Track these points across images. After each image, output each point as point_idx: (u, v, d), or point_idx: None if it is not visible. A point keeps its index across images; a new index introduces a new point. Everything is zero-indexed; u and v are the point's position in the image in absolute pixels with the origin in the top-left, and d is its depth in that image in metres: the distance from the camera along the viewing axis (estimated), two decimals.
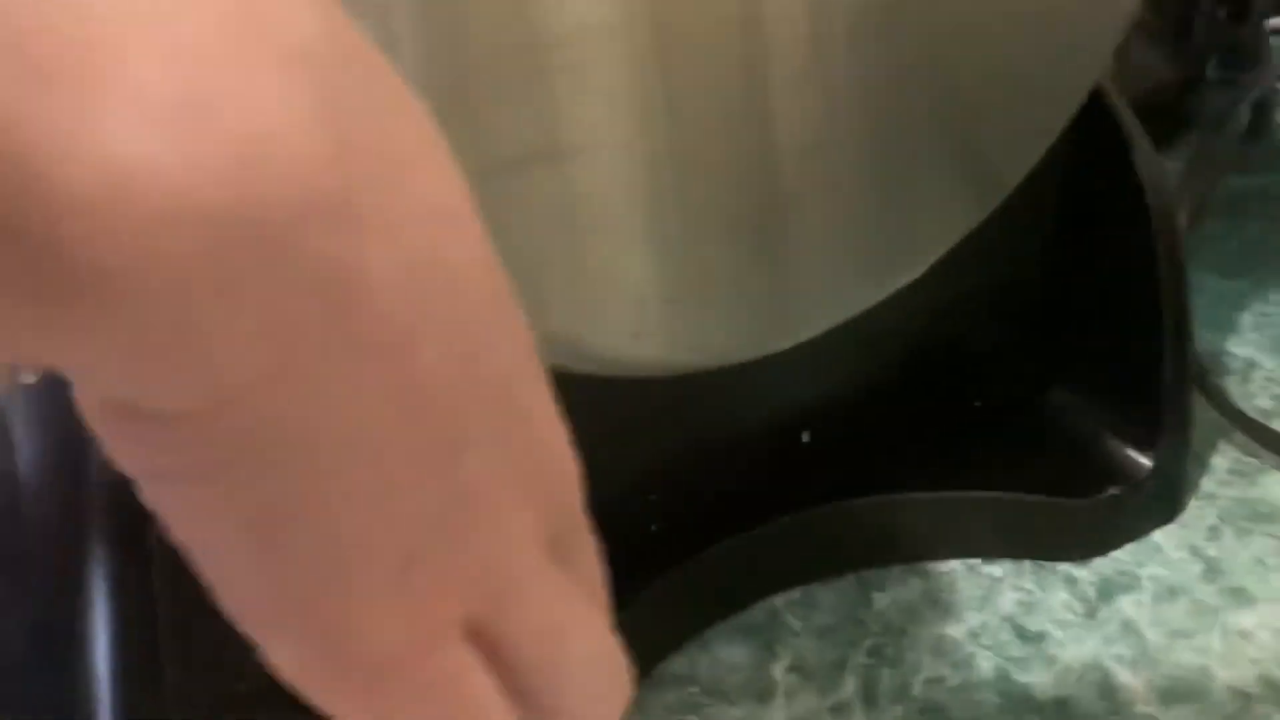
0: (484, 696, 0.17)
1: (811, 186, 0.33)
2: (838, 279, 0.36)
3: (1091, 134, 0.40)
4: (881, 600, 0.42)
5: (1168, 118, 0.62)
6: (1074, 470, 0.44)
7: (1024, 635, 0.40)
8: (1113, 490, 0.43)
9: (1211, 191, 0.61)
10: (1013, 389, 0.46)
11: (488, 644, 0.17)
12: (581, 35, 0.27)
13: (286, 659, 0.16)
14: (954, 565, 0.43)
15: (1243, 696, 0.38)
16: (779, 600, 0.42)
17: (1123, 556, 0.43)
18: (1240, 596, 0.41)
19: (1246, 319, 0.54)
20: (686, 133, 0.30)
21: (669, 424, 0.39)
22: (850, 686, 0.39)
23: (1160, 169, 0.41)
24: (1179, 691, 0.38)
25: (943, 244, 0.37)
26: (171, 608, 0.29)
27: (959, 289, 0.44)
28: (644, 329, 0.32)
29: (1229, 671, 0.39)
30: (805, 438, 0.44)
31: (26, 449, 0.31)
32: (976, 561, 0.43)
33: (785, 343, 0.35)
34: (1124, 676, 0.39)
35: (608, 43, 0.28)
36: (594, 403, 0.36)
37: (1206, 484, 0.46)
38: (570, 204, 0.29)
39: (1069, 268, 0.44)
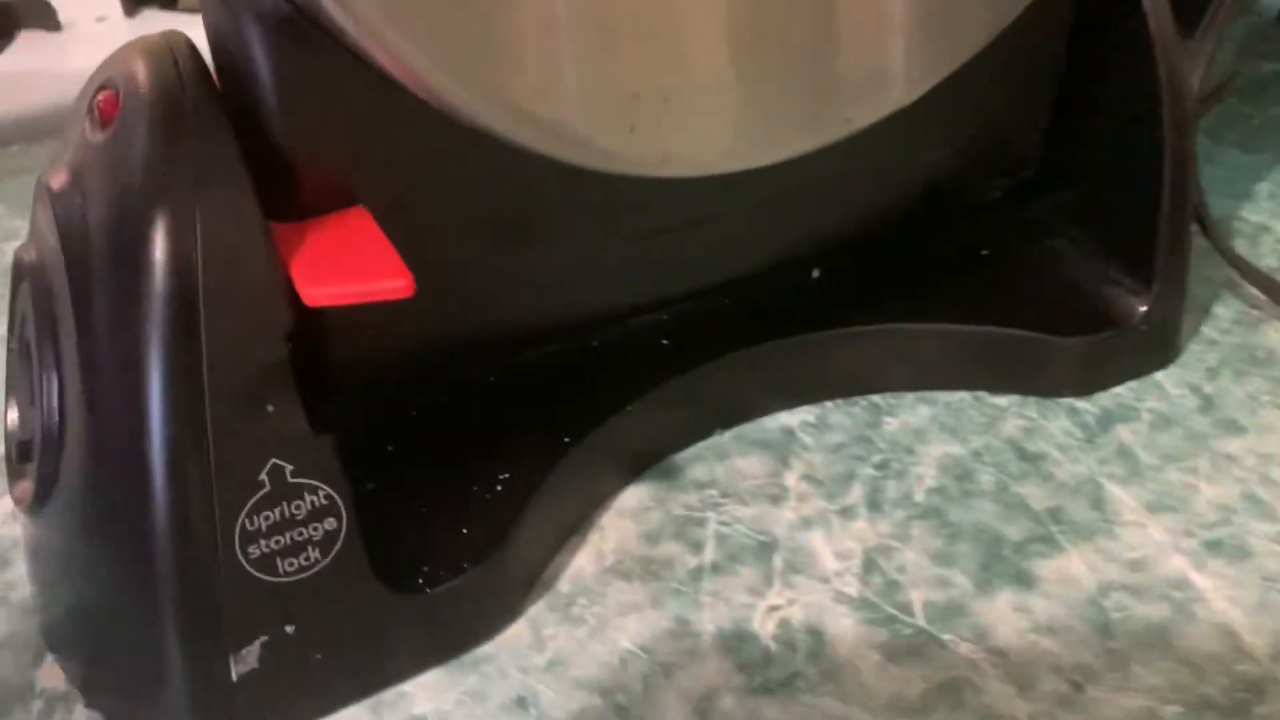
0: None
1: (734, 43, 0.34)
2: (770, 120, 0.37)
3: None
4: (891, 424, 0.45)
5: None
6: (1074, 312, 0.46)
7: (1024, 455, 0.43)
8: (1107, 331, 0.45)
9: (1236, 72, 0.63)
10: (1019, 237, 0.49)
11: None
12: None
13: None
14: (962, 395, 0.46)
15: (1225, 509, 0.40)
16: (794, 420, 0.45)
17: (1123, 392, 0.46)
18: (1232, 427, 0.44)
19: (1263, 188, 0.56)
20: None
21: (682, 243, 0.42)
22: (857, 493, 0.42)
23: (1169, 20, 0.43)
24: (1165, 504, 0.41)
25: (978, 40, 0.38)
26: None
27: (965, 131, 0.46)
28: (639, 123, 0.34)
29: (1214, 489, 0.41)
30: (815, 274, 0.47)
31: None
32: (984, 394, 0.46)
33: (798, 145, 0.37)
34: (1115, 490, 0.41)
35: None
36: (612, 209, 0.39)
37: (1209, 331, 0.48)
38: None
39: (1076, 116, 0.46)
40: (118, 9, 0.77)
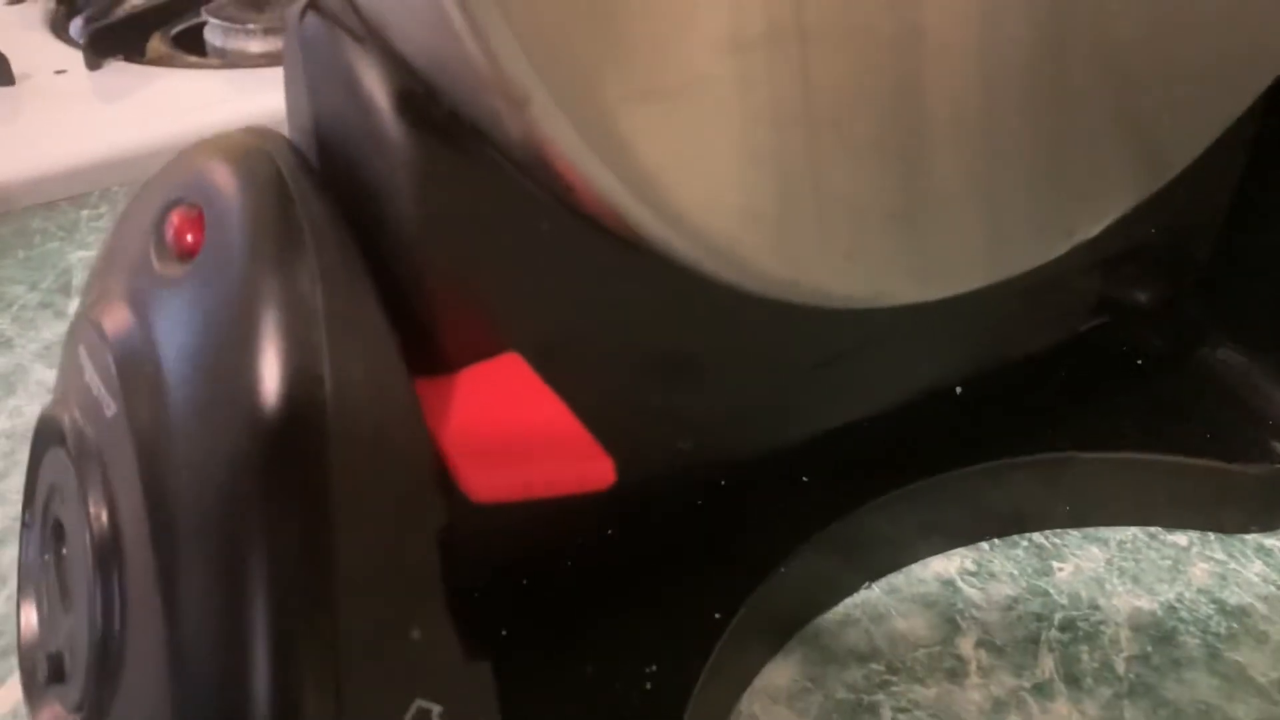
0: None
1: (979, 137, 0.29)
2: (1010, 233, 0.32)
3: None
4: (1063, 571, 0.38)
5: None
6: (1252, 434, 0.40)
7: (1225, 610, 0.37)
8: None
9: None
10: (1180, 345, 0.43)
11: None
12: None
13: None
14: (1134, 533, 0.40)
15: None
16: (950, 567, 0.38)
17: None
18: None
19: None
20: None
21: (822, 369, 0.36)
22: (1048, 665, 0.35)
23: None
24: None
25: (1113, 210, 0.33)
26: None
27: (1130, 243, 0.40)
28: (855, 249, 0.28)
29: None
30: (959, 390, 0.41)
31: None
32: (1158, 530, 0.40)
33: (951, 288, 0.32)
34: None
35: None
36: (752, 341, 0.33)
37: None
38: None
39: (1252, 214, 0.41)
40: (78, 61, 0.68)
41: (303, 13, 0.24)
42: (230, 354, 0.23)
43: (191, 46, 0.74)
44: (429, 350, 0.25)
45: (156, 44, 0.74)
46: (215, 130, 0.62)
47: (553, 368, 0.26)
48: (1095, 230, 0.32)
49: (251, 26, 0.74)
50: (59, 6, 0.76)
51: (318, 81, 0.25)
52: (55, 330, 0.47)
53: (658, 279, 0.27)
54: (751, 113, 0.23)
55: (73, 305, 0.49)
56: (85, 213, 0.55)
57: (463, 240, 0.24)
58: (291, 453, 0.23)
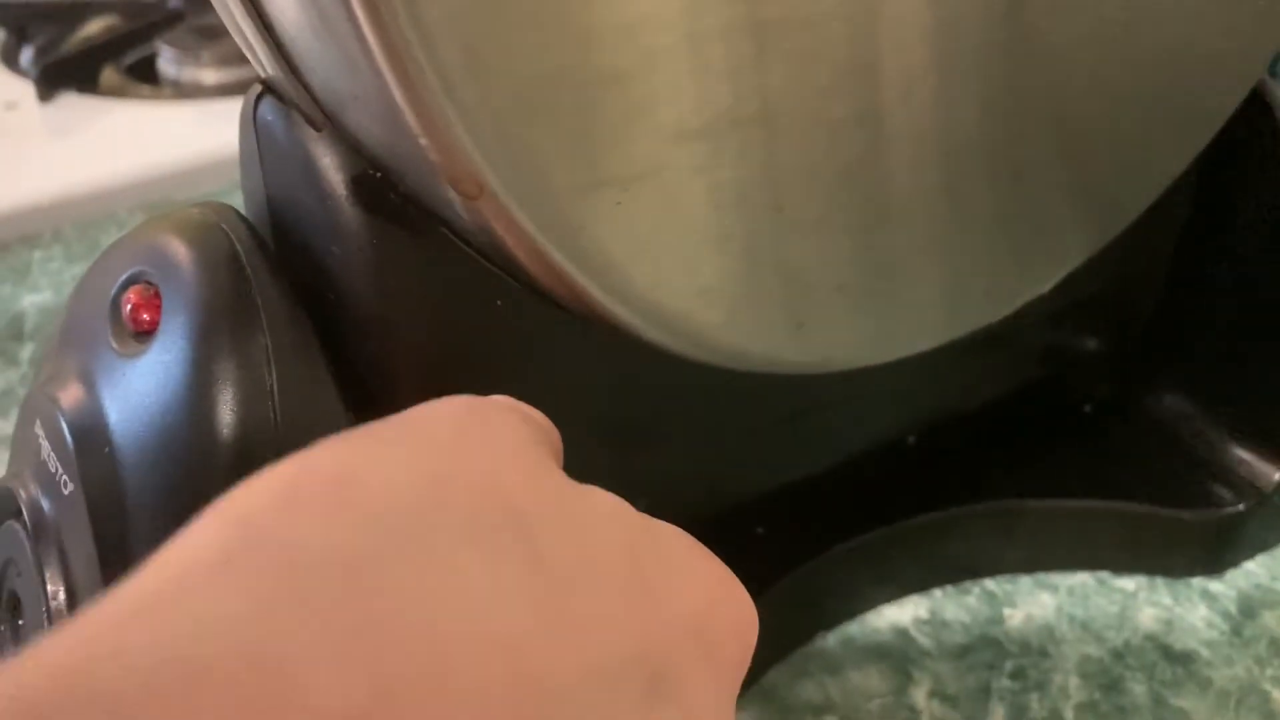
0: None
1: (929, 209, 0.30)
2: (958, 297, 0.33)
3: (1238, 133, 0.37)
4: (1014, 618, 0.39)
5: None
6: (1198, 481, 0.41)
7: (1171, 655, 0.38)
8: (1238, 504, 0.41)
9: None
10: (1124, 393, 0.44)
11: None
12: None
13: None
14: (1084, 578, 0.40)
15: None
16: (904, 615, 0.39)
17: (1256, 570, 0.41)
18: None
19: None
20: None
21: (775, 427, 0.36)
22: (999, 715, 0.36)
23: None
24: None
25: (1068, 263, 0.34)
26: None
27: (1078, 296, 0.41)
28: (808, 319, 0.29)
29: None
30: (910, 440, 0.41)
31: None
32: (1106, 575, 0.40)
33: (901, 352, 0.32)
34: None
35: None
36: (740, 401, 0.33)
37: None
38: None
39: (1198, 270, 0.42)
40: (30, 95, 0.67)
41: (258, 97, 0.24)
42: (185, 435, 0.24)
43: (145, 76, 0.74)
44: None
45: (110, 74, 0.73)
46: (170, 168, 0.62)
47: None
48: (1047, 287, 0.32)
49: (205, 56, 0.74)
50: (9, 37, 0.75)
51: (273, 164, 0.25)
52: (7, 378, 0.47)
53: (611, 351, 0.27)
54: (701, 197, 0.24)
55: (25, 352, 0.49)
56: (38, 254, 0.55)
57: (420, 321, 0.25)
58: None
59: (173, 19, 0.76)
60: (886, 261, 0.28)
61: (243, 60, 0.67)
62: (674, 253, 0.24)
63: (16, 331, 0.50)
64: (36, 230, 0.56)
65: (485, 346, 0.26)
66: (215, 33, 0.76)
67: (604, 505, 0.19)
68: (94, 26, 0.77)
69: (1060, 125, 0.29)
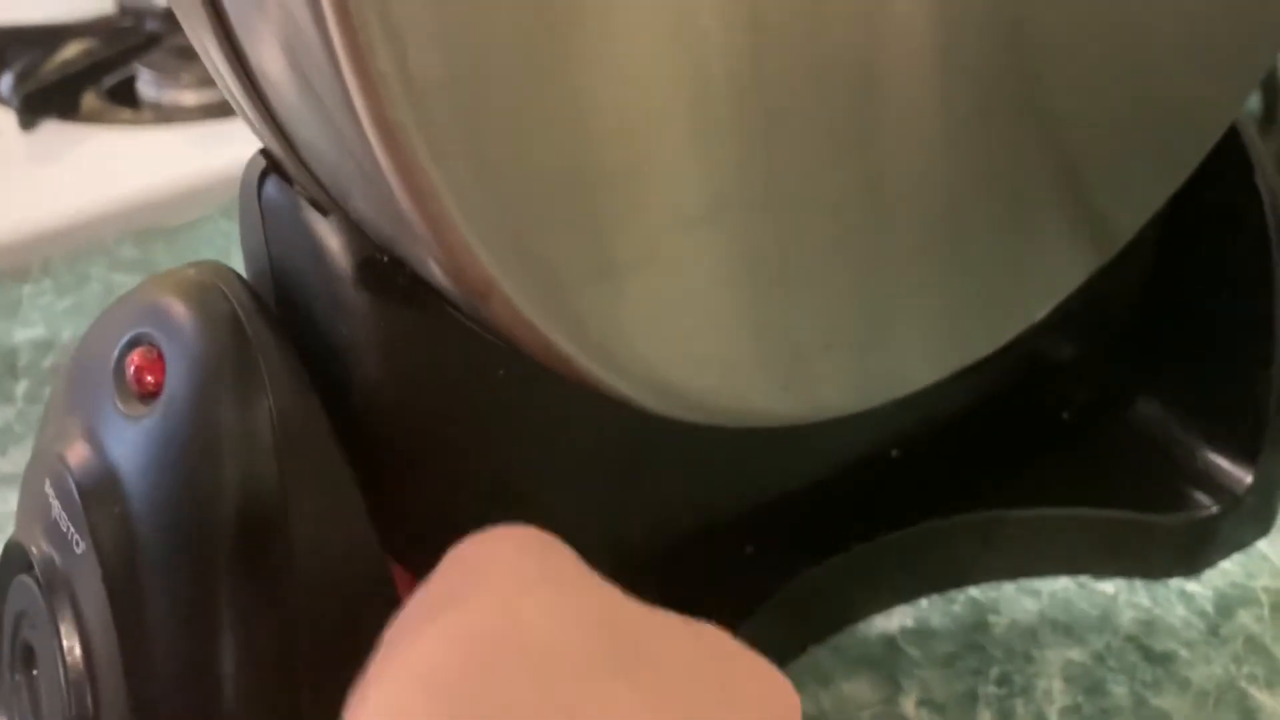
0: None
1: (923, 262, 0.31)
2: (950, 339, 0.34)
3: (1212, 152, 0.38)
4: (999, 624, 0.40)
5: None
6: (1173, 485, 0.42)
7: (1150, 656, 0.39)
8: (1212, 507, 0.42)
9: None
10: (1100, 399, 0.45)
11: None
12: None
13: None
14: (1065, 583, 0.41)
15: None
16: (891, 625, 0.40)
17: (1232, 569, 0.42)
18: None
19: None
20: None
21: (761, 449, 0.37)
22: (986, 719, 0.37)
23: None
24: None
25: (1060, 292, 0.35)
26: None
27: (1058, 309, 0.42)
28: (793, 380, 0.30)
29: None
30: (894, 453, 0.42)
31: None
32: (1086, 579, 0.42)
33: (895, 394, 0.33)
34: (1262, 698, 0.37)
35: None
36: (695, 439, 0.34)
37: None
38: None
39: (1172, 279, 0.43)
40: (11, 123, 0.68)
41: (263, 175, 0.25)
42: (193, 494, 0.24)
43: (125, 99, 0.74)
44: (394, 501, 0.26)
45: (90, 99, 0.73)
46: (156, 194, 0.62)
47: (506, 499, 0.27)
48: (1039, 316, 0.33)
49: (185, 78, 0.74)
50: None
51: (278, 239, 0.25)
52: (3, 415, 0.48)
53: (609, 407, 0.28)
54: (700, 275, 0.24)
55: (20, 388, 0.49)
56: (27, 288, 0.55)
57: (428, 395, 0.26)
58: (252, 592, 0.24)
59: (151, 41, 0.76)
60: (880, 316, 0.29)
61: None
62: (671, 328, 0.25)
63: (10, 366, 0.50)
64: (26, 263, 0.56)
65: (488, 412, 0.26)
66: (194, 54, 0.76)
67: (673, 619, 0.22)
68: (71, 50, 0.77)
69: (1056, 165, 0.30)
